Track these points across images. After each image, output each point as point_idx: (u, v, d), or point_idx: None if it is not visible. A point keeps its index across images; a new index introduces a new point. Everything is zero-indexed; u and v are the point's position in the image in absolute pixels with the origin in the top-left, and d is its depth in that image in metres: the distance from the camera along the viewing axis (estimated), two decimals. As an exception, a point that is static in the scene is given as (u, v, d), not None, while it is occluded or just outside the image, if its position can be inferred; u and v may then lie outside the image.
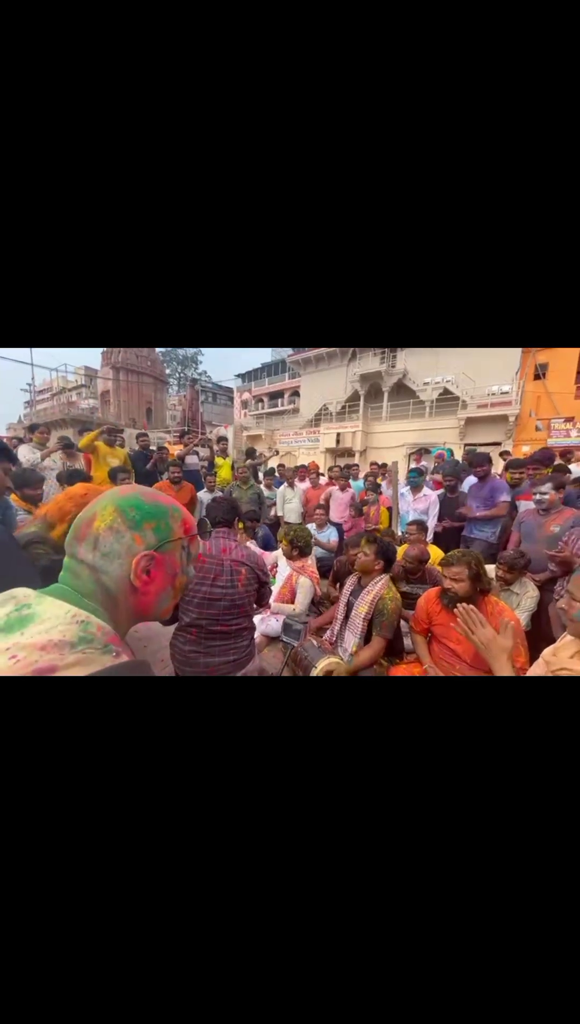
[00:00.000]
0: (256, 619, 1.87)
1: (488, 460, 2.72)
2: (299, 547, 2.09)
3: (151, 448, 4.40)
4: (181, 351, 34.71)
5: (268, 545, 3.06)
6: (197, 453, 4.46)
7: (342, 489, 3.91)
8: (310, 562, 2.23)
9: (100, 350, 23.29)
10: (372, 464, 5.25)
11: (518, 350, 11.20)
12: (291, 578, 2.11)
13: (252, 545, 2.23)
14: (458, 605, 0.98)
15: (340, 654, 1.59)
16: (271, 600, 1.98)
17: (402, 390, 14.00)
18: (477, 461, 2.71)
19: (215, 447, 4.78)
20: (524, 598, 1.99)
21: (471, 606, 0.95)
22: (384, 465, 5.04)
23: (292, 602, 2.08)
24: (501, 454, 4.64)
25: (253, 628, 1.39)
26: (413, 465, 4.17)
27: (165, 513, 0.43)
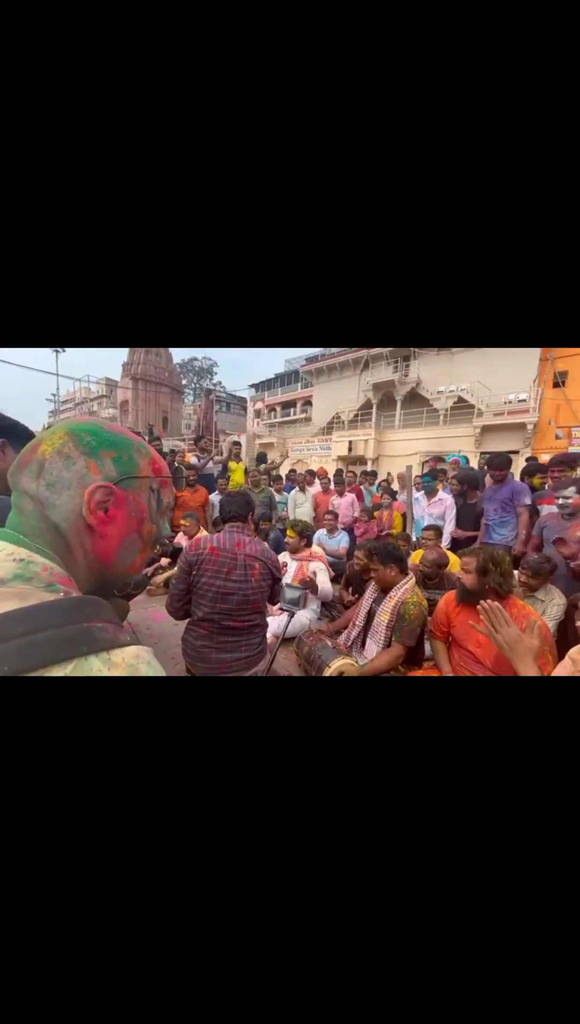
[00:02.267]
0: (268, 619, 1.84)
1: (508, 463, 2.64)
2: (307, 536, 2.16)
3: (164, 452, 4.50)
4: (198, 363, 35.82)
5: (278, 548, 3.03)
6: (211, 457, 4.52)
7: (340, 495, 3.92)
8: (315, 548, 2.28)
9: (121, 361, 24.29)
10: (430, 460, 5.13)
11: (535, 358, 11.02)
12: (302, 568, 2.10)
13: None
14: (480, 603, 0.93)
15: (355, 658, 1.53)
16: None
17: (415, 399, 13.93)
18: (496, 464, 2.63)
19: (227, 451, 4.83)
20: (550, 605, 1.88)
21: (495, 603, 0.89)
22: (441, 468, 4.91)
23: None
24: (527, 459, 4.47)
25: (265, 626, 1.36)
26: (427, 469, 4.09)
27: (129, 445, 0.36)
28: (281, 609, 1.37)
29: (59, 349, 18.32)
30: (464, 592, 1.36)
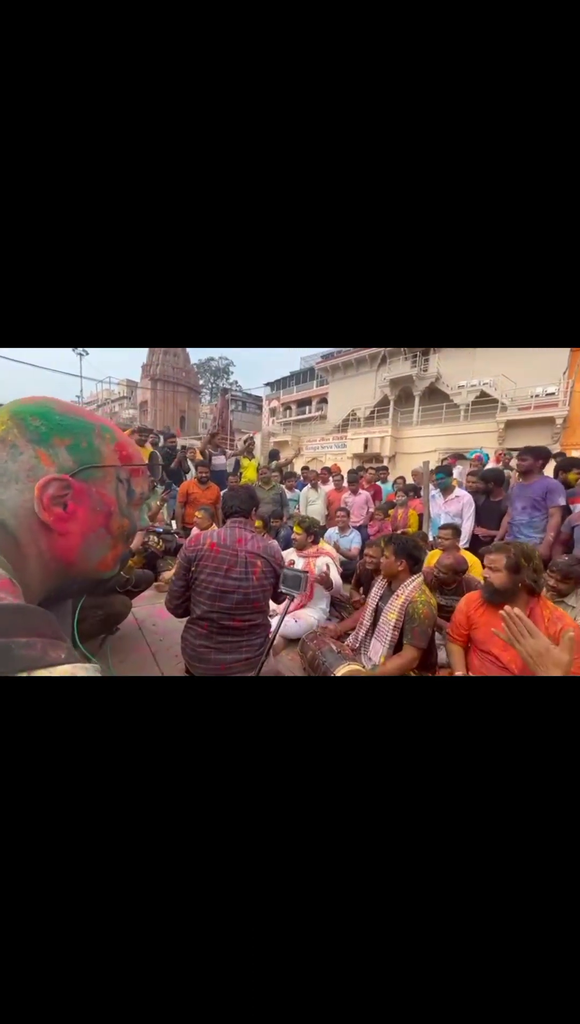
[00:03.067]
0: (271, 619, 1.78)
1: (546, 455, 2.40)
2: (314, 532, 2.10)
3: (177, 448, 4.53)
4: (214, 363, 36.25)
5: (289, 546, 2.97)
6: (224, 452, 4.50)
7: (354, 493, 3.81)
8: (322, 545, 2.21)
9: (140, 363, 24.96)
10: (450, 459, 4.91)
11: (566, 348, 10.38)
12: (309, 565, 2.04)
13: None
14: (503, 609, 0.82)
15: (363, 662, 1.45)
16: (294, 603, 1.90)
17: (435, 394, 13.47)
18: (531, 452, 2.35)
19: (242, 447, 4.80)
20: (581, 612, 1.72)
21: (517, 610, 0.78)
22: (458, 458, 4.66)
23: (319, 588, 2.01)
24: (556, 455, 4.14)
25: (268, 626, 1.30)
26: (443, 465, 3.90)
27: (88, 429, 0.32)
28: (280, 592, 1.30)
29: (82, 352, 18.96)
30: (492, 592, 1.24)
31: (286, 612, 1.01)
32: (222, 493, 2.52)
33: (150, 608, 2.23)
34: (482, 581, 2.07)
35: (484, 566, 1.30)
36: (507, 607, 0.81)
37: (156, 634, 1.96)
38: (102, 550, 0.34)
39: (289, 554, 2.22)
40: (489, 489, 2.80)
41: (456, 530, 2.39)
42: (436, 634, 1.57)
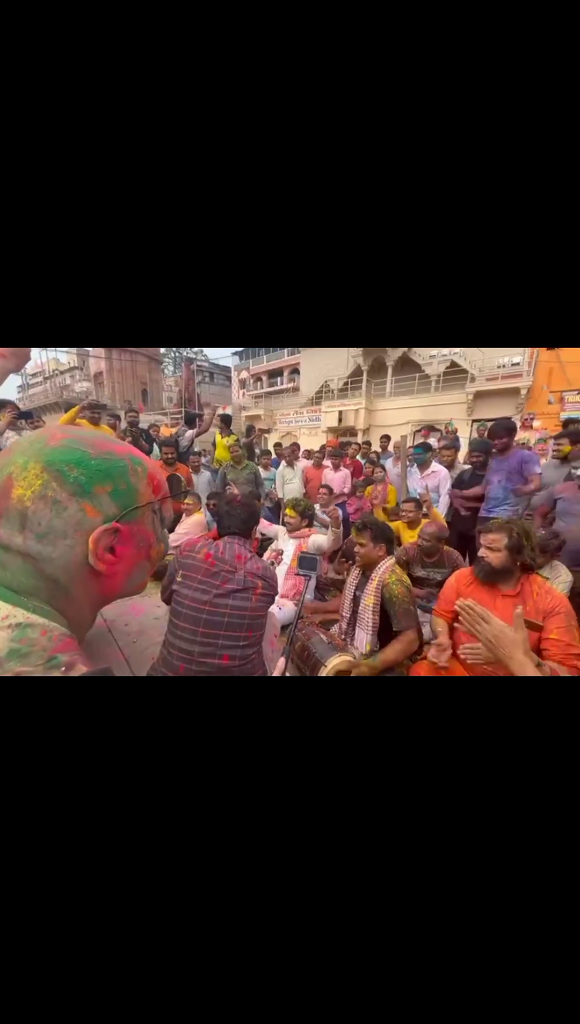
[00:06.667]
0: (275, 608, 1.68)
1: (510, 431, 2.43)
2: (308, 517, 2.01)
3: (141, 427, 4.12)
4: (175, 328, 33.20)
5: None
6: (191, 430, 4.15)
7: (335, 469, 3.71)
8: (314, 529, 2.13)
9: (90, 328, 22.19)
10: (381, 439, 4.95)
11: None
12: (301, 548, 1.95)
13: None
14: (457, 603, 0.79)
15: (352, 652, 1.41)
16: (282, 589, 1.80)
17: (407, 364, 13.35)
18: (496, 432, 2.38)
19: (209, 421, 4.44)
20: (555, 583, 1.79)
21: (470, 600, 0.76)
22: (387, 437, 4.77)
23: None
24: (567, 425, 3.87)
25: (259, 655, 1.16)
26: (419, 440, 3.87)
27: (123, 470, 0.33)
28: (297, 575, 1.21)
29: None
30: (490, 571, 1.20)
31: (303, 597, 0.93)
32: (211, 503, 2.32)
33: (121, 607, 2.06)
34: (460, 555, 2.10)
35: (481, 544, 1.25)
36: (460, 600, 0.79)
37: (129, 635, 1.80)
38: (142, 577, 0.36)
39: (278, 536, 2.12)
40: (484, 462, 2.73)
41: (417, 503, 2.40)
42: (419, 612, 1.56)
